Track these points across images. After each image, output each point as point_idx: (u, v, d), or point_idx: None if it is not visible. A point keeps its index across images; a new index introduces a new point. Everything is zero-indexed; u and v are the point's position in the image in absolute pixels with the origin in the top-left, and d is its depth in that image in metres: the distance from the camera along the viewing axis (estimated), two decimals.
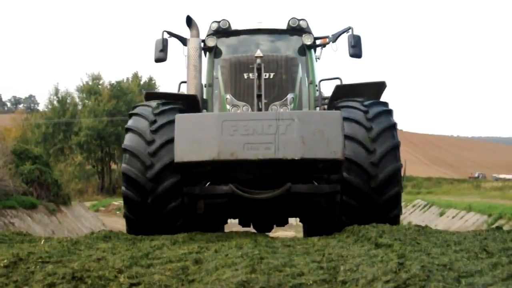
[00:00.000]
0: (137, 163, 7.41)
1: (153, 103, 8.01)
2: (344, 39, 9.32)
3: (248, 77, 8.14)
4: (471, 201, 29.13)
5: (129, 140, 7.62)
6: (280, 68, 8.23)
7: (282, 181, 7.36)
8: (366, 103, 7.70)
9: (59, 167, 47.60)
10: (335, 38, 9.44)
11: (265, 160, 6.51)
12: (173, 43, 9.28)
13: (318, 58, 9.77)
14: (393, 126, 7.54)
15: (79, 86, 55.36)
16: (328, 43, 9.55)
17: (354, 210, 7.30)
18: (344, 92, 8.19)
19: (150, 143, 7.43)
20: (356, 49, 9.15)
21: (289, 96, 8.22)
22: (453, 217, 27.37)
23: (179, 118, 6.74)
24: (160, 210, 7.41)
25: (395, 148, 7.36)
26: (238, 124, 6.54)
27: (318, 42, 9.58)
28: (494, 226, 9.39)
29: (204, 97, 9.26)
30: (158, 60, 9.13)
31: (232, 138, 6.49)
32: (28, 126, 54.40)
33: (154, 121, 7.61)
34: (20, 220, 17.55)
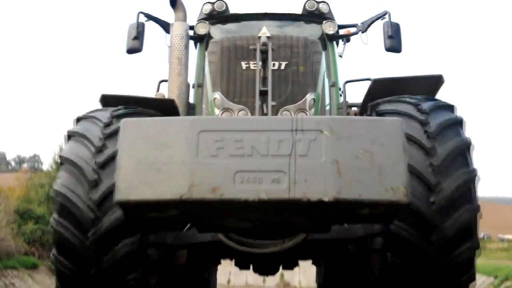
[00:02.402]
0: (74, 217, 4.47)
1: (107, 114, 4.92)
2: (377, 29, 7.07)
3: (248, 67, 5.61)
4: (477, 263, 28.76)
5: (62, 179, 4.60)
6: (295, 55, 5.66)
7: (298, 228, 4.63)
8: (425, 106, 4.74)
9: None
10: (365, 26, 7.07)
11: (272, 202, 3.47)
12: (152, 29, 6.99)
13: (340, 56, 7.32)
14: (468, 146, 4.64)
15: None
16: (355, 33, 7.24)
17: (401, 274, 4.57)
18: (386, 90, 5.23)
19: (94, 185, 4.49)
20: (394, 41, 6.79)
21: (309, 96, 5.60)
22: None
23: (127, 124, 3.68)
24: (110, 286, 4.63)
25: (470, 182, 4.53)
26: (225, 137, 3.56)
27: (341, 32, 7.24)
28: None
29: (192, 101, 6.77)
30: (130, 50, 6.74)
31: (215, 161, 3.51)
32: (32, 186, 54.24)
33: (102, 148, 4.61)
34: (21, 281, 17.44)
